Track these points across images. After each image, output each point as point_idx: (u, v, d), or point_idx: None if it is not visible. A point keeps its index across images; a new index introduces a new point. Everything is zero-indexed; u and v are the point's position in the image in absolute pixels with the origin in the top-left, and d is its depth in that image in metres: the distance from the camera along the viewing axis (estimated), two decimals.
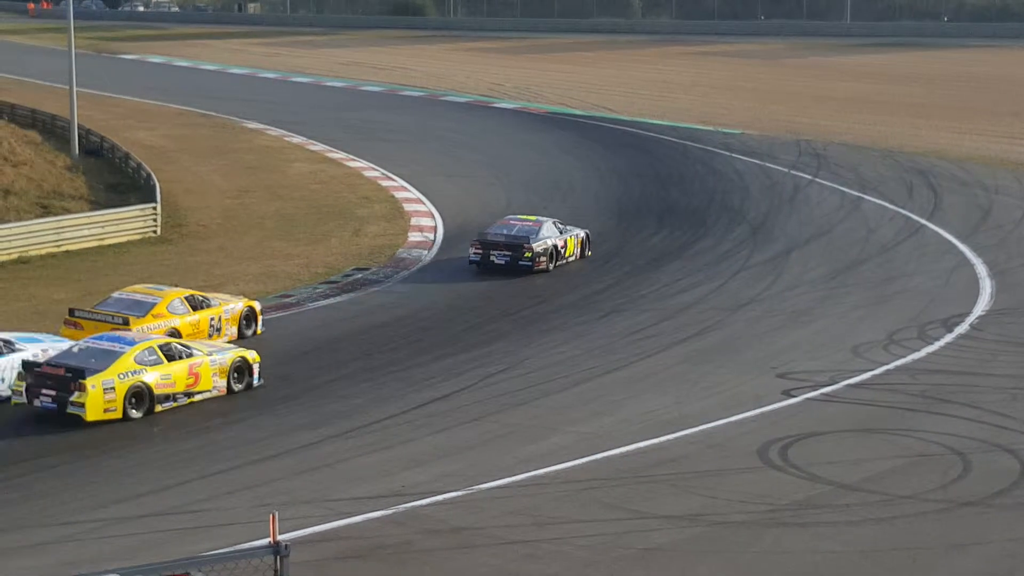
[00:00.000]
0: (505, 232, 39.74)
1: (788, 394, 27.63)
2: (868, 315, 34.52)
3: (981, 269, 39.30)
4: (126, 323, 30.17)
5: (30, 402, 26.18)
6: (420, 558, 19.33)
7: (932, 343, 31.66)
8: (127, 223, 44.20)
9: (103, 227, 43.48)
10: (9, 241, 41.13)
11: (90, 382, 25.69)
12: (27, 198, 46.78)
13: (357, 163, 58.06)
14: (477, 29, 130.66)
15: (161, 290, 32.32)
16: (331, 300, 36.46)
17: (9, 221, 43.22)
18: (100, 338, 27.74)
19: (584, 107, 73.90)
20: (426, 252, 42.42)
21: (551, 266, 39.57)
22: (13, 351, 27.87)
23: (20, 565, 19.20)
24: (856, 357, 30.42)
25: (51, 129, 60.08)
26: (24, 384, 26.30)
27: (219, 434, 25.54)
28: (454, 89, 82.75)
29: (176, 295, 31.94)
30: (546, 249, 39.52)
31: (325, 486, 22.31)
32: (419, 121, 69.81)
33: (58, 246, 41.93)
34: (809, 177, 54.07)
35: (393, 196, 51.23)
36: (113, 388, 25.98)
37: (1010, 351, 31.05)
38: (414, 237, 44.32)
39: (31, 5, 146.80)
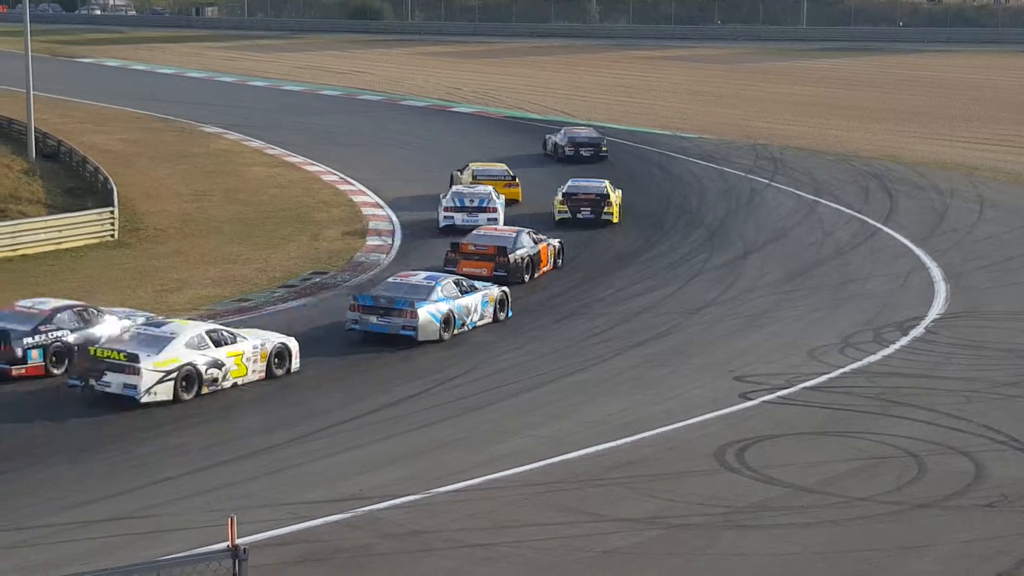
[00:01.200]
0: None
1: (745, 397, 27.77)
2: (824, 318, 34.73)
3: (936, 272, 39.59)
4: None
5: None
6: (378, 562, 19.33)
7: (887, 346, 31.87)
8: (84, 227, 44.01)
9: (60, 231, 43.28)
10: None
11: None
12: None
13: (315, 167, 57.99)
14: (435, 33, 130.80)
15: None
16: (289, 304, 36.40)
17: None
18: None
19: (542, 111, 74.03)
20: (384, 256, 42.41)
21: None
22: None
23: None
24: (812, 360, 30.60)
25: (7, 133, 59.76)
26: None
27: (175, 439, 25.45)
28: (412, 93, 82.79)
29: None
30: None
31: (283, 490, 22.27)
32: (377, 125, 69.77)
33: (14, 250, 41.71)
34: (765, 181, 54.35)
35: (351, 200, 51.19)
36: None
37: (965, 354, 31.27)
38: (372, 241, 44.30)
39: None
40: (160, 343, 27.76)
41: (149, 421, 26.51)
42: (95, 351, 27.49)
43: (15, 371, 28.88)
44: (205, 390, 27.90)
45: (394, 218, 47.59)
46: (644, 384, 28.97)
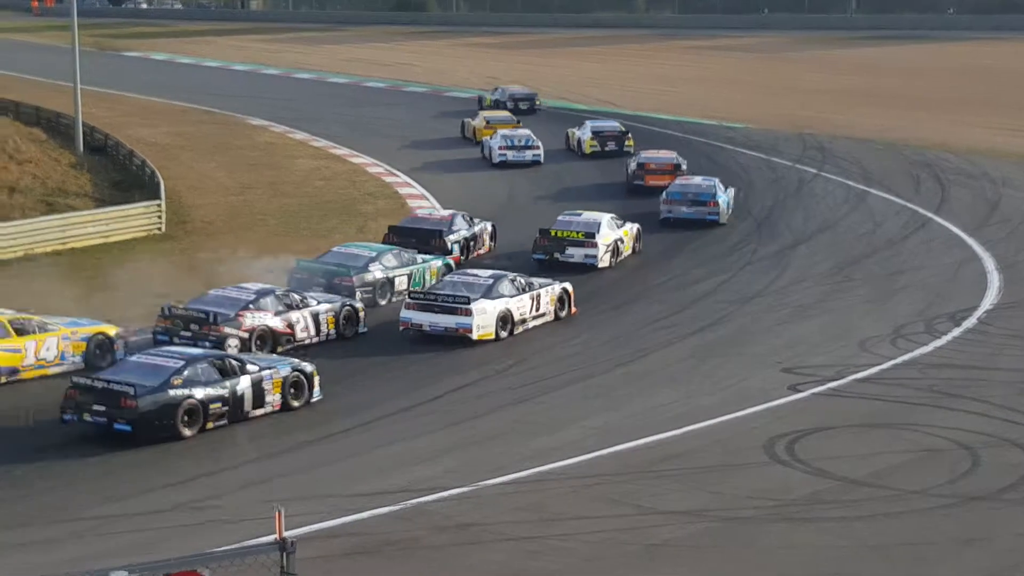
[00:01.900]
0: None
1: (795, 389, 27.56)
2: (875, 309, 34.44)
3: (989, 263, 39.20)
4: None
5: None
6: (427, 554, 19.28)
7: (939, 337, 31.57)
8: (132, 220, 44.18)
9: (108, 224, 43.46)
10: (14, 239, 41.14)
11: None
12: (32, 196, 46.75)
13: (360, 159, 58.00)
14: (479, 24, 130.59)
15: None
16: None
17: (14, 219, 43.18)
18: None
19: (586, 102, 73.79)
20: None
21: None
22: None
23: (25, 562, 19.16)
24: (863, 351, 30.34)
25: (55, 127, 59.99)
26: None
27: (224, 431, 25.47)
28: (457, 85, 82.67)
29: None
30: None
31: (331, 482, 22.28)
32: (421, 117, 69.72)
33: (63, 243, 41.91)
34: (814, 171, 53.97)
35: (397, 192, 51.18)
36: None
37: (1018, 345, 30.98)
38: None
39: (34, 3, 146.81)
40: None
41: None
42: None
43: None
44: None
45: (439, 208, 47.46)
46: (693, 376, 28.82)
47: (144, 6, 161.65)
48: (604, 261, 38.96)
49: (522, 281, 33.31)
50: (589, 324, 33.10)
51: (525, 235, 40.77)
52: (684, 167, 49.39)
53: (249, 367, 26.34)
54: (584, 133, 57.37)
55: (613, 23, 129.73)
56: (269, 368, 26.61)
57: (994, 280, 37.13)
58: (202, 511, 21.00)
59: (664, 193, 45.50)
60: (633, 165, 50.41)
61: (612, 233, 39.68)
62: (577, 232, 39.05)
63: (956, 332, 32.06)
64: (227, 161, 57.28)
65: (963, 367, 29.13)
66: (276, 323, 30.87)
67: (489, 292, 32.24)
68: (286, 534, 11.94)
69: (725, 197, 45.00)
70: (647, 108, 69.47)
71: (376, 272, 35.19)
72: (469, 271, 34.73)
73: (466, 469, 22.75)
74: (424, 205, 48.28)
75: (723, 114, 69.89)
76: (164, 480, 22.59)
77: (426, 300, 31.95)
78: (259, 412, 26.11)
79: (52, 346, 28.86)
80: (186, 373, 25.35)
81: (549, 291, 33.61)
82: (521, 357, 30.23)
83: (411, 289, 34.19)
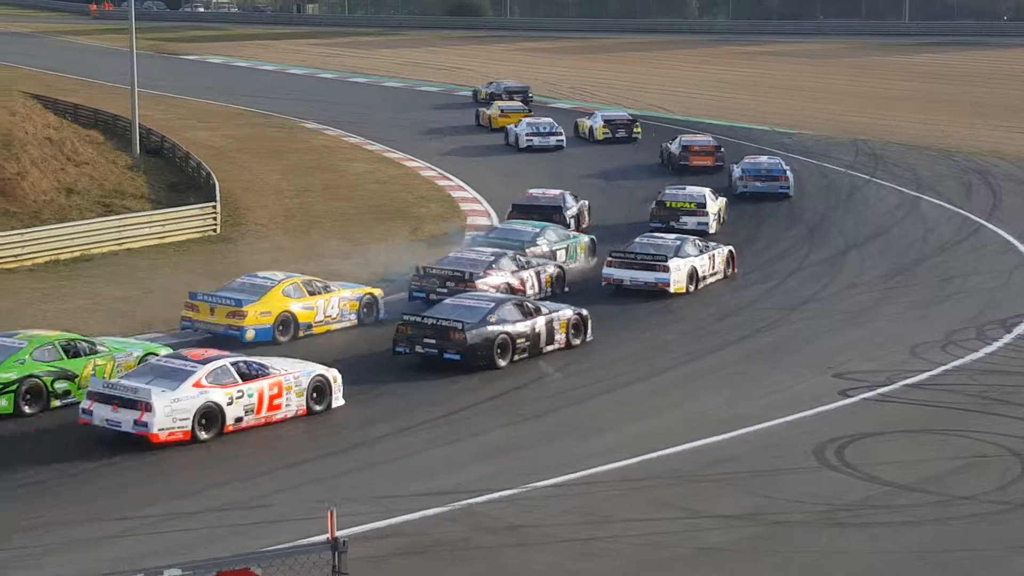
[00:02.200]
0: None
1: (845, 394, 27.57)
2: (926, 315, 34.37)
3: None
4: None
5: None
6: (476, 555, 19.43)
7: (990, 343, 31.50)
8: (187, 222, 44.57)
9: (164, 226, 43.87)
10: (72, 239, 41.59)
11: None
12: (89, 197, 47.20)
13: (414, 163, 58.27)
14: (533, 29, 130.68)
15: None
16: (389, 298, 36.45)
17: (72, 220, 43.65)
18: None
19: (640, 107, 73.77)
20: None
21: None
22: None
23: (78, 559, 19.39)
24: (913, 357, 30.30)
25: (113, 129, 60.58)
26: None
27: (276, 430, 25.70)
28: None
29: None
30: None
31: (382, 483, 22.47)
32: (475, 121, 69.93)
33: (119, 244, 42.34)
34: (866, 177, 53.84)
35: (450, 195, 51.39)
36: None
37: None
38: (471, 237, 44.40)
39: (92, 6, 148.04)
40: None
41: None
42: None
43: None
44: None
45: (492, 213, 47.71)
46: (744, 380, 28.87)
47: (201, 10, 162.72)
48: (712, 227, 43.32)
49: (701, 243, 37.89)
50: (640, 327, 33.19)
51: (602, 211, 45.25)
52: (723, 149, 54.82)
53: (543, 310, 30.98)
54: (596, 121, 62.90)
55: (667, 28, 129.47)
56: (556, 312, 31.16)
57: None
58: (255, 510, 21.20)
59: (738, 169, 49.86)
60: (676, 147, 55.18)
61: (714, 204, 44.27)
62: (689, 203, 43.76)
63: (1007, 338, 31.97)
64: (282, 164, 57.65)
65: (1014, 373, 29.05)
66: (513, 280, 35.26)
67: (678, 252, 36.62)
68: (338, 534, 12.09)
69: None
70: (700, 114, 69.41)
71: (543, 246, 38.91)
72: (655, 235, 38.89)
73: (516, 471, 22.88)
74: (478, 210, 48.49)
75: (776, 119, 69.75)
76: (217, 479, 22.83)
77: (626, 258, 36.22)
78: (550, 348, 30.66)
79: (335, 305, 33.21)
80: (498, 312, 29.98)
81: (721, 252, 38.20)
82: (571, 360, 30.36)
83: (611, 249, 37.57)
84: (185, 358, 26.01)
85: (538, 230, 39.59)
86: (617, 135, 61.74)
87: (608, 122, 62.34)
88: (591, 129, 62.63)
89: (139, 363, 27.61)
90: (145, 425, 24.40)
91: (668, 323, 33.92)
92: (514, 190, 47.87)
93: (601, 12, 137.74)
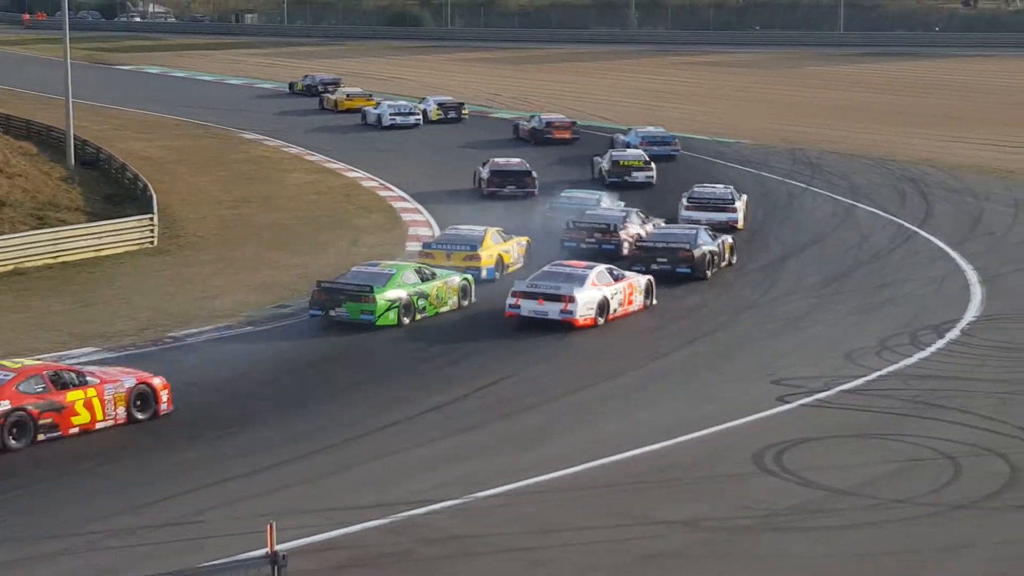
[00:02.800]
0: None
1: (783, 400, 27.82)
2: (861, 321, 34.73)
3: (972, 275, 39.52)
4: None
5: None
6: (419, 567, 19.40)
7: (924, 349, 31.86)
8: (124, 234, 44.25)
9: (99, 238, 43.54)
10: (5, 253, 41.14)
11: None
12: (22, 210, 46.74)
13: (355, 173, 58.22)
14: (474, 40, 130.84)
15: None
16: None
17: (4, 233, 43.18)
18: None
19: (580, 116, 74.03)
20: None
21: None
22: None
23: None
24: (850, 363, 30.61)
25: (47, 140, 60.15)
26: None
27: (216, 445, 25.56)
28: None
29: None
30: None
31: (323, 496, 22.36)
32: (417, 131, 70.00)
33: (54, 257, 42.00)
34: (803, 185, 54.33)
35: (391, 206, 51.38)
36: None
37: (1000, 356, 31.24)
38: (412, 247, 44.44)
39: (26, 16, 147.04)
40: None
41: (190, 428, 26.66)
42: None
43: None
44: None
45: (433, 223, 47.74)
46: (684, 388, 29.07)
47: (138, 20, 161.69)
48: (655, 180, 53.33)
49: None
50: (580, 337, 33.32)
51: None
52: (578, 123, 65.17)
53: (708, 238, 39.92)
54: (429, 105, 74.46)
55: (607, 39, 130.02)
56: (715, 240, 40.21)
57: (977, 293, 37.46)
58: (194, 526, 20.97)
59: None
60: (538, 123, 66.13)
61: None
62: (637, 160, 54.33)
63: (940, 344, 32.35)
64: (221, 175, 57.46)
65: (947, 378, 29.41)
66: (641, 231, 41.95)
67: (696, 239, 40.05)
68: (278, 548, 12.07)
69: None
70: (639, 122, 69.61)
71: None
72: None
73: (459, 481, 22.87)
74: (418, 220, 48.48)
75: (715, 129, 70.21)
76: (156, 495, 22.54)
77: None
78: (710, 272, 39.15)
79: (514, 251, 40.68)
80: (702, 236, 39.58)
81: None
82: (513, 371, 30.44)
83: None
84: (573, 267, 34.90)
85: (598, 196, 46.98)
86: (449, 116, 74.01)
87: (440, 104, 74.73)
88: (425, 112, 73.56)
89: (460, 288, 36.02)
90: (570, 313, 33.31)
91: (607, 333, 34.06)
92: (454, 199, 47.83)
93: (542, 23, 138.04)
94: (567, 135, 65.56)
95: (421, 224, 47.86)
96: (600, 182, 53.72)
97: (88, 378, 26.40)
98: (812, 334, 33.67)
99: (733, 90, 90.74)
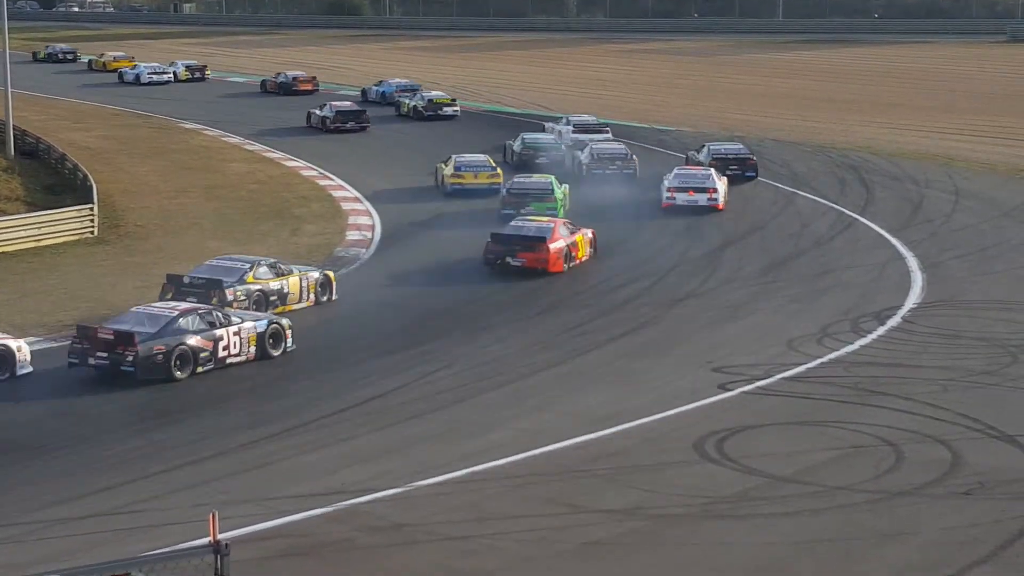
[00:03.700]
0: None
1: (723, 388, 27.91)
2: (802, 309, 34.89)
3: (912, 263, 39.79)
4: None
5: None
6: (361, 555, 19.42)
7: (865, 336, 32.04)
8: (64, 224, 44.00)
9: (39, 228, 43.27)
10: None
11: None
12: None
13: (295, 163, 58.04)
14: (413, 28, 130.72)
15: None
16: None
17: None
18: None
19: (519, 105, 74.08)
20: (364, 251, 42.50)
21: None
22: None
23: None
24: (790, 351, 30.75)
25: None
26: None
27: (157, 434, 25.51)
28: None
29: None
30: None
31: (264, 485, 22.34)
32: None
33: None
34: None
35: (331, 195, 51.25)
36: None
37: (941, 343, 31.45)
38: (352, 236, 44.38)
39: None
40: None
41: (131, 416, 26.59)
42: None
43: None
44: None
45: (374, 212, 47.68)
46: (624, 376, 29.11)
47: (76, 9, 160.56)
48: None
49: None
50: (518, 327, 33.34)
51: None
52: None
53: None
54: (178, 67, 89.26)
55: (545, 27, 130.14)
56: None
57: (917, 279, 37.71)
58: (136, 515, 20.97)
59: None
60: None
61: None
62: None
63: (881, 331, 32.55)
64: (161, 165, 57.13)
65: (888, 365, 29.59)
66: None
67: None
68: (220, 537, 12.02)
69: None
70: (578, 111, 69.74)
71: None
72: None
73: (400, 470, 22.88)
74: (359, 209, 48.40)
75: (654, 116, 70.38)
76: (97, 484, 22.52)
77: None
78: None
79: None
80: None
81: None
82: (450, 360, 30.42)
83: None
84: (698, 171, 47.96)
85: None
86: (195, 76, 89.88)
87: (188, 67, 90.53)
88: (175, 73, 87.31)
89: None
90: (715, 200, 46.62)
91: (547, 319, 34.11)
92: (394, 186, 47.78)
93: (481, 11, 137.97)
94: (310, 87, 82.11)
95: (361, 213, 47.75)
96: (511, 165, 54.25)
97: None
98: (753, 322, 33.81)
99: (672, 77, 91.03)
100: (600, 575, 18.82)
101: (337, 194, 51.33)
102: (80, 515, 21.05)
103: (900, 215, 46.74)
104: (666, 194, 47.61)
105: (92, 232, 44.38)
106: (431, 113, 70.03)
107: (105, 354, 28.55)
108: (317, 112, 67.47)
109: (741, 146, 55.78)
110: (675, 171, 49.42)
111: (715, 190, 47.33)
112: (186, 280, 33.65)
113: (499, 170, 50.74)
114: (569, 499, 21.57)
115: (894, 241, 42.76)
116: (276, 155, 59.82)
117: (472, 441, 24.67)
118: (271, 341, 30.78)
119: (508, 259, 38.43)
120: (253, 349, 30.39)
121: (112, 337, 28.59)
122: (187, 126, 68.18)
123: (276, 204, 49.60)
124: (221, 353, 29.66)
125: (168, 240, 43.77)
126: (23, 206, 47.05)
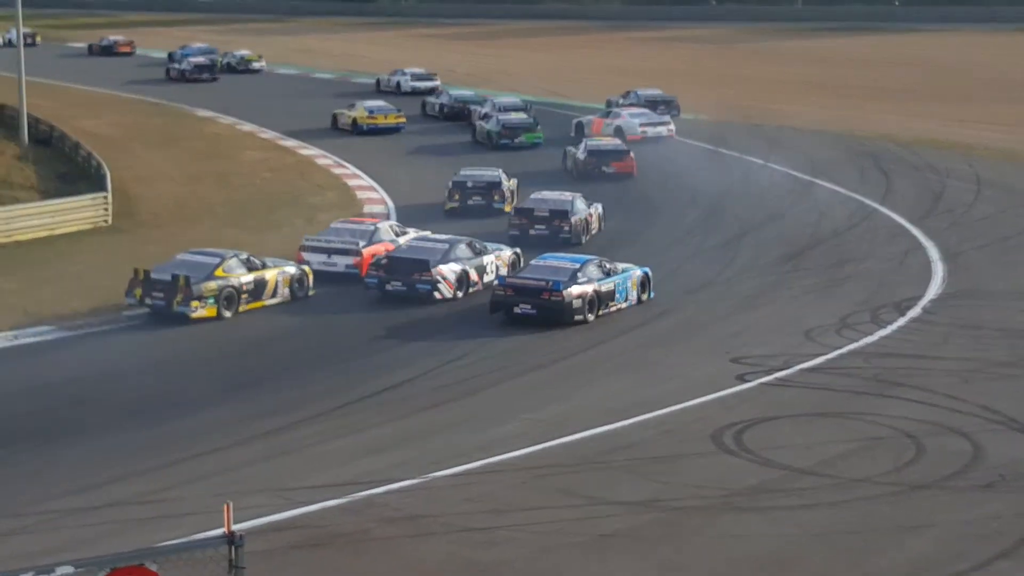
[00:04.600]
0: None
1: (742, 379, 27.73)
2: (821, 299, 34.66)
3: (933, 252, 39.51)
4: None
5: None
6: (377, 546, 19.30)
7: (885, 327, 31.81)
8: (78, 212, 43.92)
9: (53, 217, 43.20)
10: None
11: None
12: None
13: (309, 151, 57.89)
14: (428, 15, 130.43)
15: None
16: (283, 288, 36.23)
17: None
18: None
19: (536, 93, 73.85)
20: None
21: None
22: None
23: None
24: (809, 341, 30.54)
25: None
26: None
27: (173, 424, 25.43)
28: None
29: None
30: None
31: (280, 475, 22.25)
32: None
33: (8, 236, 41.61)
34: (761, 161, 54.24)
35: (346, 183, 51.11)
36: None
37: (962, 334, 31.23)
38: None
39: None
40: None
41: (144, 405, 26.50)
42: None
43: None
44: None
45: (389, 201, 47.54)
46: (641, 367, 28.94)
47: None
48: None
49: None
50: (532, 319, 33.13)
51: None
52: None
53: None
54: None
55: (562, 14, 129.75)
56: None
57: (938, 270, 37.45)
58: (150, 505, 20.94)
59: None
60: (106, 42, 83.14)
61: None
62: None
63: (901, 321, 32.31)
64: (174, 153, 57.03)
65: (908, 356, 29.37)
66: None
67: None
68: (235, 527, 11.92)
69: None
70: (596, 100, 69.49)
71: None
72: None
73: (416, 461, 22.76)
74: (374, 198, 48.27)
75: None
76: (112, 474, 22.48)
77: None
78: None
79: None
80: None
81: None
82: (467, 350, 30.27)
83: None
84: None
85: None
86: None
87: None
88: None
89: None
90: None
91: None
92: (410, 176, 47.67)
93: None
94: (128, 49, 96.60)
95: (376, 202, 47.60)
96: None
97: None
98: (771, 312, 33.60)
99: (690, 65, 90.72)
100: (617, 567, 18.65)
101: (352, 182, 51.18)
102: (93, 505, 20.97)
103: (920, 204, 46.42)
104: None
105: (106, 220, 44.30)
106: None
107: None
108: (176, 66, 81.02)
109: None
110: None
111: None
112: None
113: (403, 114, 62.18)
114: (586, 490, 21.41)
115: (914, 231, 42.47)
116: (290, 143, 59.68)
117: (488, 432, 24.52)
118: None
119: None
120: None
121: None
122: (200, 114, 68.04)
123: (291, 192, 49.49)
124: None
125: (181, 228, 43.65)
126: (37, 194, 46.99)
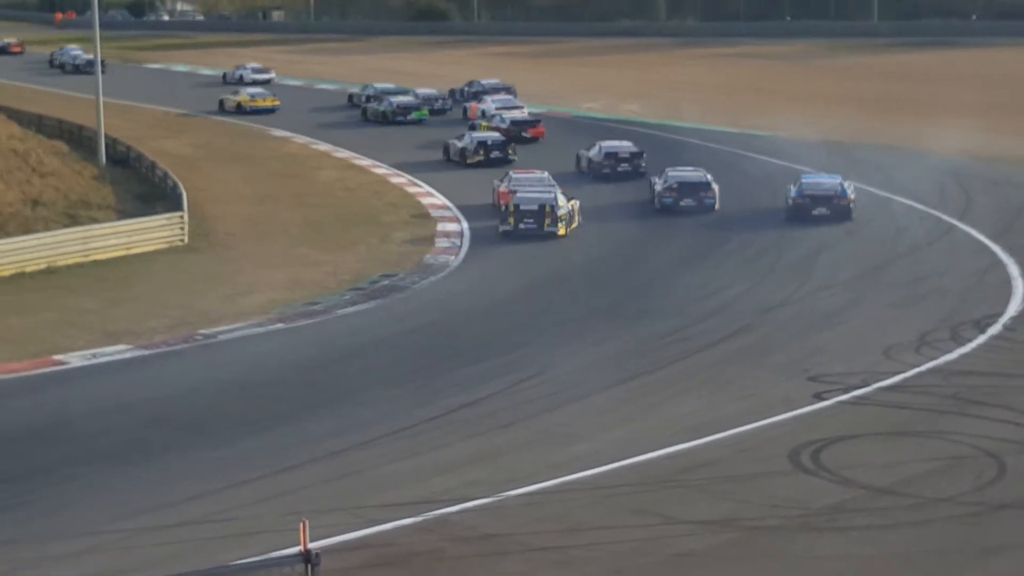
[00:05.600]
0: None
1: (819, 397, 27.43)
2: (899, 316, 34.24)
3: (1013, 269, 38.91)
4: None
5: None
6: (450, 566, 19.23)
7: (965, 344, 31.36)
8: (154, 232, 44.28)
9: (130, 236, 43.59)
10: (37, 251, 41.35)
11: None
12: (55, 208, 46.90)
13: (383, 170, 58.04)
14: (501, 34, 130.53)
15: None
16: (358, 307, 36.42)
17: (37, 231, 43.33)
18: None
19: (610, 110, 73.71)
20: (453, 258, 42.33)
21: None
22: None
23: None
24: (887, 359, 30.16)
25: (78, 139, 60.21)
26: None
27: (248, 442, 25.49)
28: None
29: None
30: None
31: (354, 494, 22.24)
32: (446, 127, 69.68)
33: (86, 256, 42.02)
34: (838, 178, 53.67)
35: (420, 202, 51.19)
36: None
37: None
38: (441, 243, 44.25)
39: (58, 15, 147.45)
40: None
41: (220, 424, 26.58)
42: None
43: None
44: None
45: (463, 220, 47.53)
46: (717, 384, 28.69)
47: (166, 18, 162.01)
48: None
49: None
50: (608, 334, 33.01)
51: None
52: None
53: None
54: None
55: (635, 31, 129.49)
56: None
57: (1019, 286, 36.87)
58: (225, 523, 20.97)
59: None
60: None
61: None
62: None
63: (981, 339, 31.84)
64: (250, 172, 57.40)
65: (988, 374, 28.94)
66: None
67: None
68: (310, 546, 11.90)
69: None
70: (670, 116, 69.32)
71: None
72: None
73: (489, 480, 22.69)
74: (447, 216, 48.31)
75: (747, 121, 69.65)
76: (188, 492, 22.54)
77: None
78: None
79: None
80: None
81: None
82: (541, 368, 30.15)
83: None
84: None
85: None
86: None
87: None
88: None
89: None
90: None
91: (638, 326, 33.73)
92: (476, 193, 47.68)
93: (568, 16, 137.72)
94: (19, 50, 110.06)
95: (450, 220, 47.62)
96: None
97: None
98: (848, 329, 33.24)
99: (765, 82, 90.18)
100: None
101: (426, 201, 51.24)
102: (167, 524, 21.02)
103: (1001, 220, 45.76)
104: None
105: (182, 240, 44.62)
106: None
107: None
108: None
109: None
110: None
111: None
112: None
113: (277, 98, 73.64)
114: (660, 509, 21.23)
115: (994, 247, 41.86)
116: (365, 162, 59.86)
117: (562, 450, 24.39)
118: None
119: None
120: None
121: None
122: (276, 133, 68.43)
123: (365, 211, 49.64)
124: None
125: (257, 247, 43.88)
126: (114, 214, 47.38)
